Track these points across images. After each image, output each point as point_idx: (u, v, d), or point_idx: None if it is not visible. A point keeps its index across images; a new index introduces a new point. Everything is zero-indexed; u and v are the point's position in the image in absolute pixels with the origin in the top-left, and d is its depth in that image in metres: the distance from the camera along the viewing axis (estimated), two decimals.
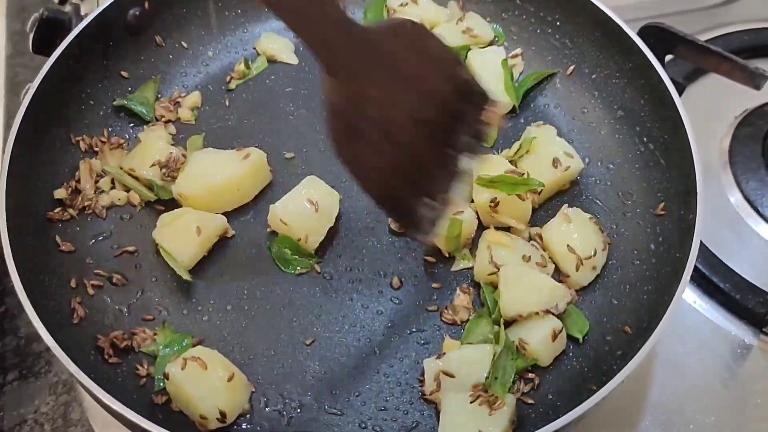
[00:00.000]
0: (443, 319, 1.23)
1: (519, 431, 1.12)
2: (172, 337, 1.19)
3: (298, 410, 1.15)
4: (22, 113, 1.24)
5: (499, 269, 1.20)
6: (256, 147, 1.33)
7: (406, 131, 1.02)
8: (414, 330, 1.22)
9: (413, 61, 1.02)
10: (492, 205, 1.25)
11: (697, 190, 1.19)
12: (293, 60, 1.50)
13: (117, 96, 1.40)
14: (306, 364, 1.19)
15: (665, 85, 1.28)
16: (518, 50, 1.48)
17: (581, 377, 1.17)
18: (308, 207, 1.25)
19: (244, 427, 1.14)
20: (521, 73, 1.47)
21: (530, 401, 1.15)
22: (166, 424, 1.00)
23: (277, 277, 1.27)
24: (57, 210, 1.28)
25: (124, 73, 1.42)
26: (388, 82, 1.00)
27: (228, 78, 1.47)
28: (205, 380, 1.10)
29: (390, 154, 1.02)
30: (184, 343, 1.18)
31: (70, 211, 1.28)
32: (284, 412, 1.15)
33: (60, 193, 1.28)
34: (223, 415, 1.10)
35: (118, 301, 1.23)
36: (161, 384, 1.14)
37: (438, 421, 1.13)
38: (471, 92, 1.07)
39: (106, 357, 1.17)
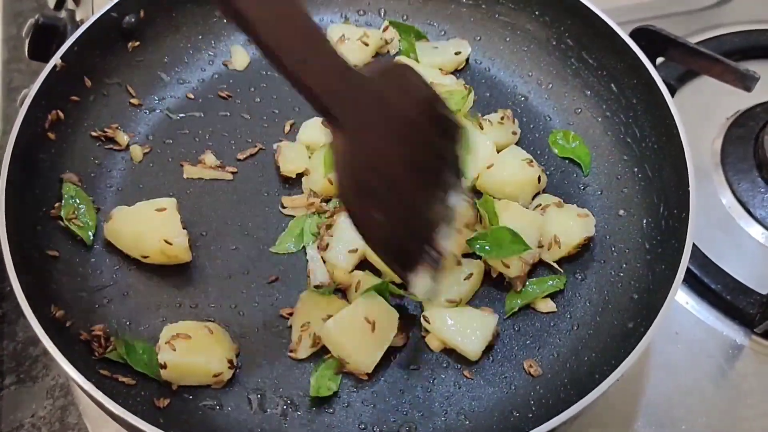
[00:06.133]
0: None
1: None
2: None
3: (297, 411, 1.15)
4: (21, 119, 1.24)
5: None
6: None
7: (405, 181, 1.02)
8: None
9: (401, 103, 1.02)
10: None
11: (690, 188, 1.19)
12: None
13: (113, 101, 1.41)
14: (303, 366, 1.19)
15: (657, 84, 1.29)
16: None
17: (575, 377, 1.17)
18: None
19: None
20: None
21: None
22: (168, 427, 1.00)
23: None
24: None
25: (118, 80, 1.42)
26: (386, 130, 0.99)
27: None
28: (197, 346, 1.15)
29: (394, 206, 1.01)
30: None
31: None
32: (283, 414, 1.15)
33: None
34: (230, 361, 1.16)
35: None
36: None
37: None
38: (447, 126, 1.08)
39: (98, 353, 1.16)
